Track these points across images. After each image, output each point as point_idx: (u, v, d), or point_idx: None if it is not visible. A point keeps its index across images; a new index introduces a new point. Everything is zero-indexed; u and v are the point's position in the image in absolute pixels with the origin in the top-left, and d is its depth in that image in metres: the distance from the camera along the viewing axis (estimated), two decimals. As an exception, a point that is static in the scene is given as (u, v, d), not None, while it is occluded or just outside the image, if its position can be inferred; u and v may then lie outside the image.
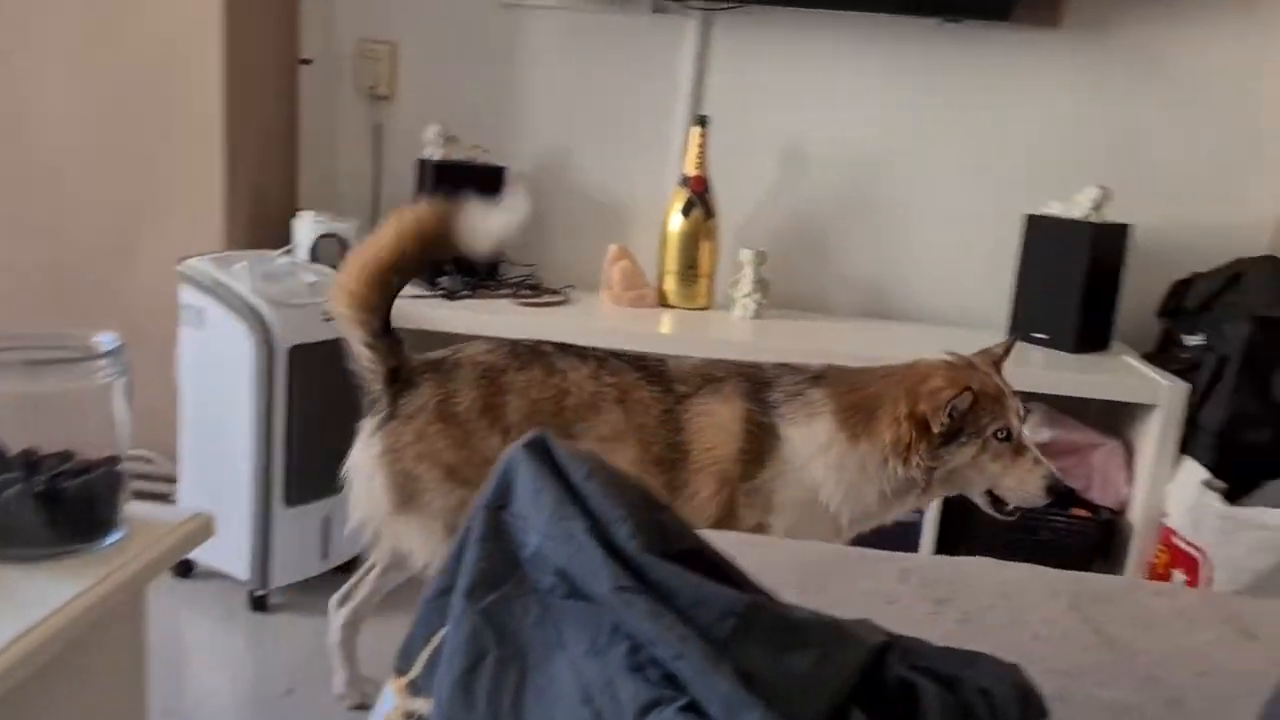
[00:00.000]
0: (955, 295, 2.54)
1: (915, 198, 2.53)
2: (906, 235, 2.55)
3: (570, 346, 1.65)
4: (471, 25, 2.54)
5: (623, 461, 1.54)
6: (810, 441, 1.55)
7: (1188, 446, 2.08)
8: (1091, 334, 2.32)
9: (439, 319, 2.18)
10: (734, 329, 2.35)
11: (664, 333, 2.31)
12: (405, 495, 1.53)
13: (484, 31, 2.54)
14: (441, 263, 2.31)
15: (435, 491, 1.52)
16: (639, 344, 2.21)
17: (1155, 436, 2.09)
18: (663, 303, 2.45)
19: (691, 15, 2.47)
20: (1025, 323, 2.37)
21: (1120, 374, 2.20)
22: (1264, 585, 1.83)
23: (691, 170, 2.39)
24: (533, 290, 2.42)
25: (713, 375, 1.62)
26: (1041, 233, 2.34)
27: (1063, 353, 2.30)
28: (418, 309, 2.18)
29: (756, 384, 1.60)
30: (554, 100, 2.57)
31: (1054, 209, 2.33)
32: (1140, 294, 2.38)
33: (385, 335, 1.55)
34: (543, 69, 2.56)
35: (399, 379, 1.55)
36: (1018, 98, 2.45)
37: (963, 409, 1.50)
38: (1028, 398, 2.24)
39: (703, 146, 2.38)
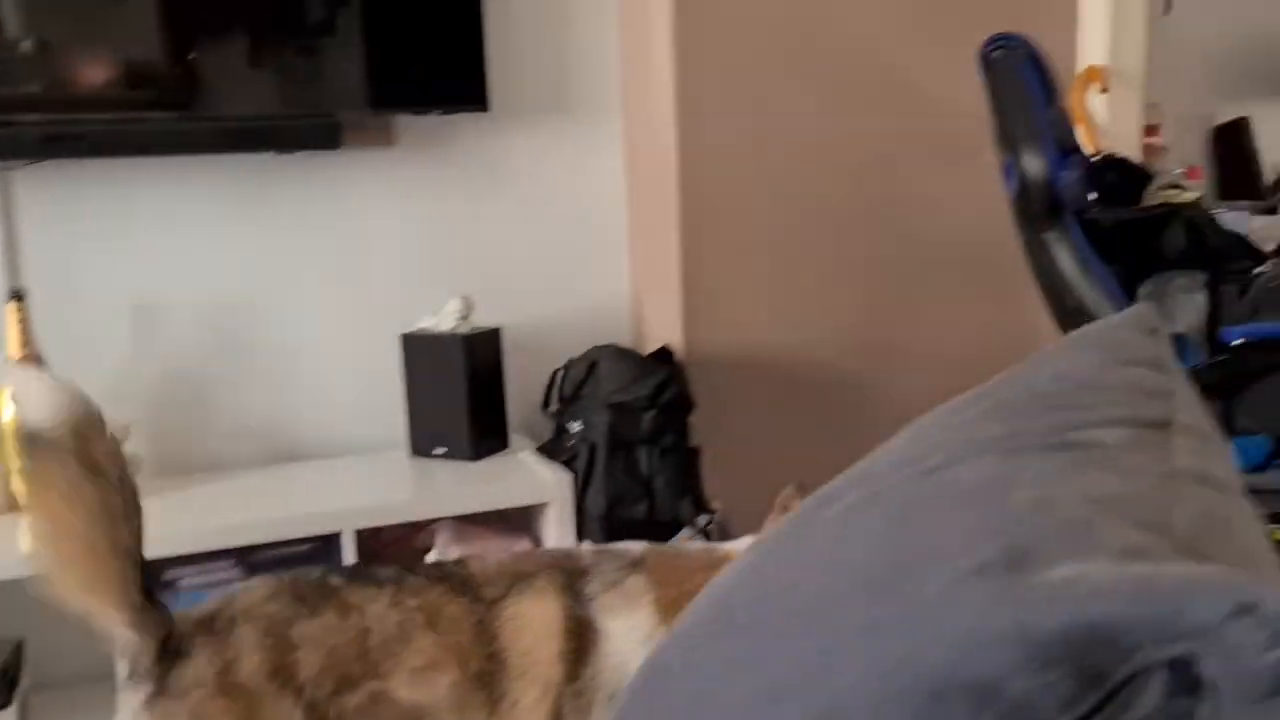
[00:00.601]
0: (354, 424, 2.48)
1: (294, 334, 2.42)
2: (293, 373, 2.44)
3: (362, 571, 1.43)
4: None
5: (443, 689, 1.38)
6: (631, 634, 1.42)
7: (582, 531, 2.18)
8: (487, 439, 2.36)
9: None
10: (107, 518, 2.07)
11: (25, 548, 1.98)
12: None
13: None
14: None
15: None
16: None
17: (554, 529, 2.17)
18: (14, 507, 2.11)
19: (-18, 178, 2.17)
20: (424, 440, 2.36)
21: (514, 476, 2.25)
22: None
23: (17, 352, 2.09)
24: None
25: (522, 571, 1.45)
26: (419, 349, 2.34)
27: (464, 463, 2.31)
28: None
29: (571, 574, 1.44)
30: None
31: (426, 324, 2.35)
32: (532, 389, 2.48)
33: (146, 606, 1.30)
34: None
35: (169, 649, 1.31)
36: (370, 219, 2.45)
37: None
38: (432, 522, 2.25)
39: (25, 323, 2.08)
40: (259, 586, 1.43)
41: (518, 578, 1.47)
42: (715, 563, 1.48)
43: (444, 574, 1.48)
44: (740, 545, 1.51)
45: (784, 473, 2.34)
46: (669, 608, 1.45)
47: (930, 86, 2.45)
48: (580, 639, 1.44)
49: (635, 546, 1.53)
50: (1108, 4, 2.55)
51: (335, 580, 1.44)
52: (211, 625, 1.37)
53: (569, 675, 1.43)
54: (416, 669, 1.41)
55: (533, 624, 1.44)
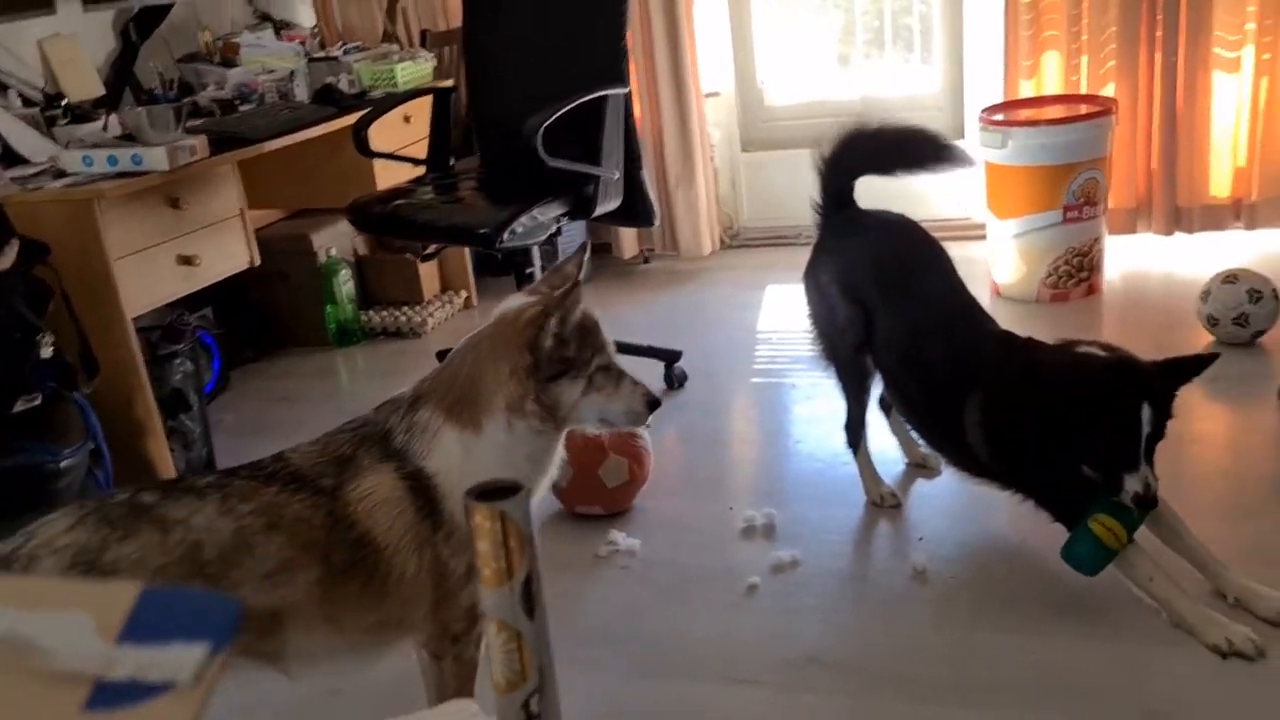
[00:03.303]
0: None
1: None
2: None
3: (176, 483, 1.43)
4: None
5: (306, 585, 1.37)
6: (452, 464, 1.45)
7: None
8: None
9: None
10: None
11: None
12: None
13: None
14: None
15: None
16: None
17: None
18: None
19: None
20: None
21: None
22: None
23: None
24: None
25: (341, 454, 1.45)
26: None
27: None
28: None
29: (380, 440, 1.47)
30: None
31: None
32: None
33: None
34: None
35: None
36: None
37: (572, 323, 1.48)
38: None
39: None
40: (57, 518, 1.31)
41: (341, 462, 1.46)
42: (474, 344, 1.55)
43: (265, 471, 1.44)
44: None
45: None
46: (455, 412, 1.50)
47: None
48: (423, 491, 1.48)
49: (405, 388, 1.57)
50: None
51: (146, 498, 1.35)
52: (8, 564, 1.25)
53: (434, 527, 1.48)
54: (272, 573, 1.36)
55: (380, 499, 1.45)
